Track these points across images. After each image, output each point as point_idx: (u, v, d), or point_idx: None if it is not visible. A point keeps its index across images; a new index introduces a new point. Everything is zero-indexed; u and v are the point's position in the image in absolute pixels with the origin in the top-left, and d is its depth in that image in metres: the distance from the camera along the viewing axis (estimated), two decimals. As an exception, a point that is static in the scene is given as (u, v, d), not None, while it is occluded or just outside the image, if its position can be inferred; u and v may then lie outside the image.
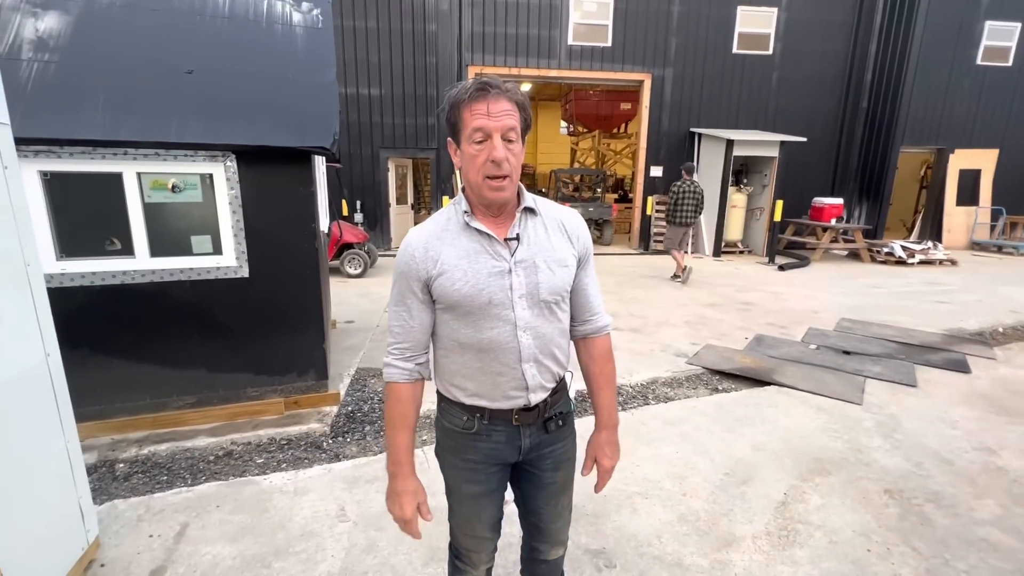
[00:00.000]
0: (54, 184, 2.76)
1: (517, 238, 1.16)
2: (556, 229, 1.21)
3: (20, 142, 2.33)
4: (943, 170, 11.47)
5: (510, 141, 1.07)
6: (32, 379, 1.74)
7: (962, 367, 4.26)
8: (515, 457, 1.28)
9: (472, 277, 1.13)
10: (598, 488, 1.40)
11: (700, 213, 7.55)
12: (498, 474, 1.30)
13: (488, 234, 1.14)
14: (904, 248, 9.71)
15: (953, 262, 9.54)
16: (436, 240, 1.16)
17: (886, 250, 9.84)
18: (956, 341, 4.95)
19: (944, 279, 8.23)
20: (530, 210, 1.19)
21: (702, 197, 7.57)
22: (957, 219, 11.51)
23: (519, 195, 1.19)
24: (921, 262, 9.51)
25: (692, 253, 10.71)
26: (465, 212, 1.15)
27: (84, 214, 2.90)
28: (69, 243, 2.85)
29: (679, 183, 7.54)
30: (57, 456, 1.85)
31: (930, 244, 10.07)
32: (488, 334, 1.15)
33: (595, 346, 1.33)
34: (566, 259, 1.19)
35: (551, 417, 1.27)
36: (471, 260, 1.13)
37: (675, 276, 7.76)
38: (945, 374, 4.13)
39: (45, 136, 2.60)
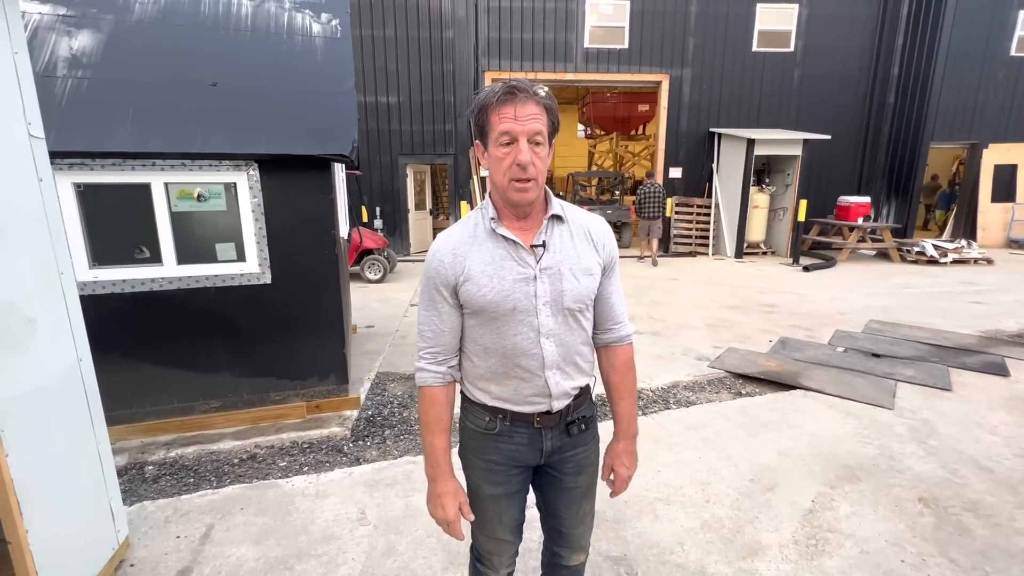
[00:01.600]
0: (87, 195, 2.86)
1: (543, 245, 1.16)
2: (582, 236, 1.21)
3: (55, 155, 2.42)
4: (977, 166, 11.06)
5: (537, 144, 1.08)
6: (65, 383, 1.80)
7: (1000, 370, 4.08)
8: (537, 460, 1.28)
9: (498, 283, 1.13)
10: (613, 495, 1.39)
11: (662, 209, 9.34)
12: (519, 476, 1.30)
13: (514, 241, 1.15)
14: (936, 247, 9.38)
15: (989, 261, 9.18)
16: (464, 246, 1.17)
17: (917, 249, 9.52)
18: (994, 343, 4.75)
19: (980, 279, 7.92)
20: (557, 217, 1.19)
21: (663, 195, 9.29)
22: (992, 216, 11.07)
23: (547, 201, 1.20)
24: (955, 261, 9.17)
25: (713, 255, 10.55)
26: (492, 219, 1.16)
27: (115, 224, 3.00)
28: (101, 252, 2.95)
29: (643, 186, 9.26)
30: (89, 458, 1.91)
31: (964, 243, 9.70)
32: (512, 340, 1.16)
33: (617, 355, 1.31)
34: (591, 267, 1.19)
35: (573, 421, 1.27)
36: (497, 266, 1.14)
37: (644, 257, 9.79)
38: (982, 377, 3.97)
39: (79, 149, 2.70)
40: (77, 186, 2.81)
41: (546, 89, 1.12)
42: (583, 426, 1.28)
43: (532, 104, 1.06)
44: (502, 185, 1.11)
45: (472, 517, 1.27)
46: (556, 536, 1.40)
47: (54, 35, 3.03)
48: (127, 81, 3.00)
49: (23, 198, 1.65)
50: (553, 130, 1.13)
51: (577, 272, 1.17)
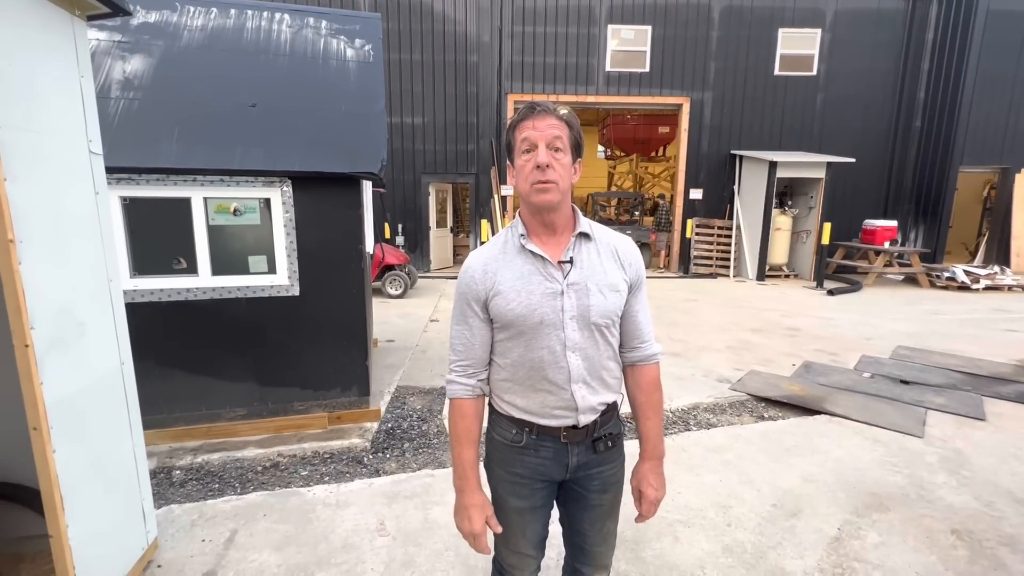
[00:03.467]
0: (131, 208, 3.02)
1: (571, 261, 1.20)
2: (609, 255, 1.24)
3: (106, 170, 2.57)
4: (1009, 190, 10.78)
5: (556, 149, 1.13)
6: (108, 385, 1.89)
7: (1038, 401, 3.93)
8: (562, 475, 1.29)
9: (526, 298, 1.17)
10: (640, 519, 1.37)
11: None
12: (544, 491, 1.31)
13: (542, 256, 1.19)
14: (968, 273, 9.12)
15: (1024, 288, 8.89)
16: (494, 262, 1.22)
17: (947, 275, 9.28)
18: (1030, 372, 4.58)
19: (1014, 306, 7.66)
20: (585, 235, 1.23)
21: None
22: (1027, 242, 10.73)
23: (575, 218, 1.24)
24: (987, 288, 8.90)
25: (734, 277, 10.44)
26: (521, 235, 1.21)
27: (155, 235, 3.15)
28: (141, 262, 3.10)
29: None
30: (125, 459, 1.99)
31: (997, 269, 9.42)
32: (539, 353, 1.19)
33: (643, 374, 1.32)
34: (617, 284, 1.22)
35: (600, 437, 1.27)
36: (525, 281, 1.19)
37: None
38: (1018, 408, 3.82)
39: (127, 165, 2.86)
40: (123, 199, 2.97)
41: (568, 109, 1.18)
42: (610, 443, 1.29)
43: (551, 118, 1.14)
44: (526, 191, 1.16)
45: (500, 529, 1.29)
46: (579, 553, 1.41)
47: (109, 59, 3.24)
48: (174, 102, 3.18)
49: (82, 209, 1.77)
50: (575, 145, 1.18)
51: (604, 288, 1.20)
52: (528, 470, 1.27)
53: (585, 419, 1.23)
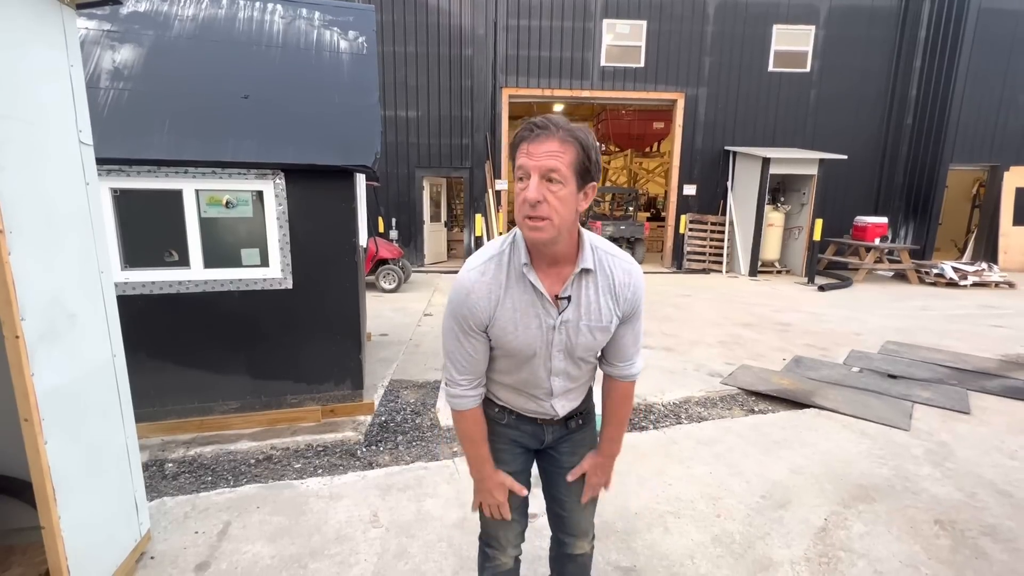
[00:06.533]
0: (121, 200, 2.99)
1: (568, 299, 1.18)
2: (606, 289, 1.20)
3: (96, 162, 2.54)
4: (997, 188, 10.91)
5: (550, 181, 1.03)
6: (100, 377, 1.89)
7: (1021, 394, 4.00)
8: (537, 446, 1.44)
9: (523, 332, 1.20)
10: (582, 500, 1.46)
11: None
12: (522, 456, 1.44)
13: (540, 292, 1.16)
14: (956, 269, 9.24)
15: (1010, 284, 9.01)
16: (498, 288, 1.17)
17: (936, 271, 9.39)
18: (1014, 367, 4.66)
19: (1000, 302, 7.78)
20: (587, 271, 1.17)
21: None
22: (1014, 239, 10.88)
23: (579, 252, 1.16)
24: (975, 284, 9.02)
25: (727, 272, 10.50)
26: (524, 264, 1.14)
27: (146, 228, 3.12)
28: (132, 255, 3.07)
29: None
30: (118, 451, 1.99)
31: (984, 266, 9.54)
32: (525, 375, 1.28)
33: (616, 388, 1.39)
34: (609, 325, 1.23)
35: (571, 416, 1.41)
36: (522, 314, 1.19)
37: None
38: (1002, 401, 3.90)
39: (118, 156, 2.83)
40: (114, 191, 2.94)
41: (582, 128, 1.06)
42: (580, 420, 1.43)
43: (551, 141, 1.02)
44: (520, 222, 1.10)
45: (525, 492, 1.41)
46: (559, 521, 1.50)
47: (99, 49, 3.20)
48: (165, 93, 3.15)
49: (72, 200, 1.76)
50: (582, 169, 1.05)
51: (594, 329, 1.22)
52: (507, 440, 1.40)
53: (562, 414, 1.38)
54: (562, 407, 1.34)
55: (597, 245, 1.20)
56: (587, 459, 1.43)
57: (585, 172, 1.06)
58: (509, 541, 1.47)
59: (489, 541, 1.49)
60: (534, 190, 1.02)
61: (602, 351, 1.33)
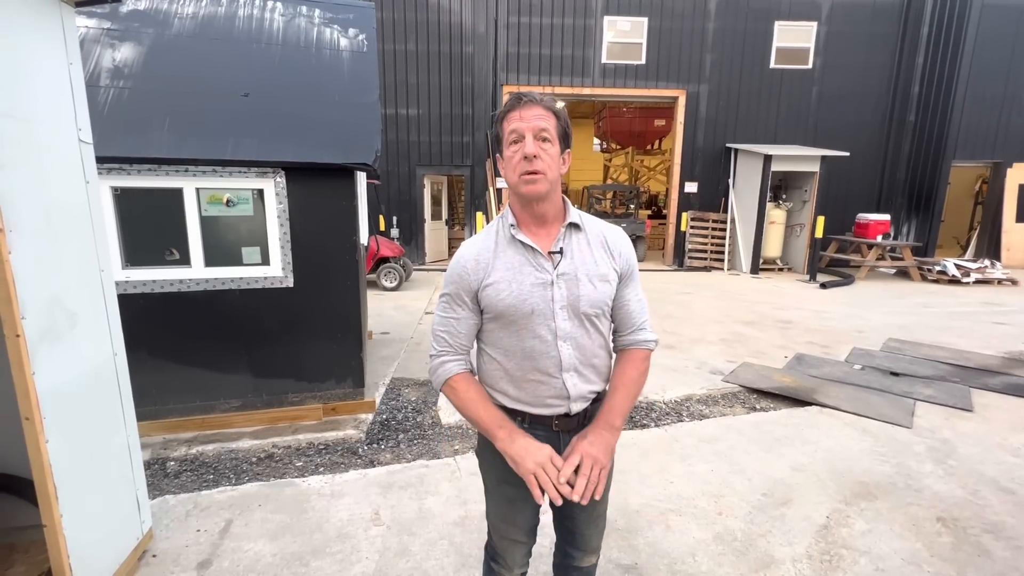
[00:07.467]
0: (122, 199, 2.99)
1: (560, 251, 1.21)
2: (599, 245, 1.25)
3: (96, 160, 2.54)
4: (1000, 185, 10.87)
5: (544, 140, 1.14)
6: (101, 376, 1.89)
7: (1024, 392, 3.99)
8: None
9: (516, 288, 1.18)
10: (585, 493, 1.17)
11: None
12: None
13: (532, 247, 1.20)
14: (958, 266, 9.21)
15: (1013, 281, 8.98)
16: (486, 252, 1.22)
17: (938, 268, 9.36)
18: (1017, 364, 4.65)
19: (1003, 299, 7.75)
20: (575, 225, 1.24)
21: None
22: (1017, 236, 10.84)
23: (565, 209, 1.25)
24: (977, 281, 8.99)
25: (728, 270, 10.48)
26: (512, 226, 1.22)
27: (147, 226, 3.12)
28: (133, 253, 3.07)
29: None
30: (119, 449, 1.99)
31: (987, 263, 9.51)
32: (530, 343, 1.20)
33: (628, 354, 1.29)
34: (607, 274, 1.23)
35: (588, 418, 1.29)
36: (516, 271, 1.19)
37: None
38: (1005, 399, 3.88)
39: (118, 155, 2.83)
40: (114, 190, 2.94)
41: (554, 98, 1.17)
42: None
43: (537, 108, 1.14)
44: (514, 182, 1.17)
45: (543, 499, 1.26)
46: (569, 536, 1.43)
47: (99, 47, 3.19)
48: (164, 91, 3.14)
49: (72, 198, 1.76)
50: (563, 135, 1.18)
51: (594, 278, 1.21)
52: None
53: (576, 407, 1.25)
54: (575, 387, 1.21)
55: (581, 212, 1.29)
56: (578, 436, 1.22)
57: (565, 136, 1.19)
58: (516, 562, 1.42)
59: (495, 557, 1.44)
60: (531, 145, 1.12)
61: (615, 324, 1.29)
